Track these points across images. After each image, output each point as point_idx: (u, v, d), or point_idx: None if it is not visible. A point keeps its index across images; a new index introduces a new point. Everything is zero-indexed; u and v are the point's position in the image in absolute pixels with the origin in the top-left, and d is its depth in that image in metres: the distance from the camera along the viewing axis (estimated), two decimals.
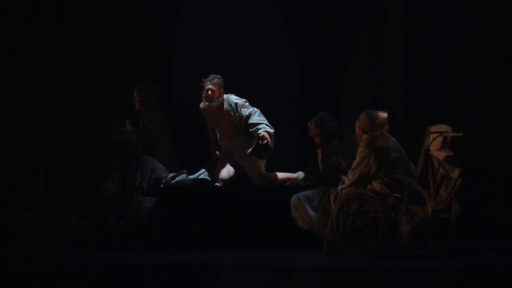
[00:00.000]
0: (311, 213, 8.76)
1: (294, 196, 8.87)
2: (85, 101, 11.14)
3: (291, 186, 9.41)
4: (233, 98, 9.63)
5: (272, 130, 9.48)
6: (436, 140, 8.08)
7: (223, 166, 9.71)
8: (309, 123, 9.09)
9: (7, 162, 11.04)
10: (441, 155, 8.06)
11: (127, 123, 10.03)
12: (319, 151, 9.04)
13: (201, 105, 9.72)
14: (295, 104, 10.89)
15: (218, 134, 9.86)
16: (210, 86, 9.55)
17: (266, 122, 9.53)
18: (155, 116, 10.12)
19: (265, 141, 9.40)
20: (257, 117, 9.53)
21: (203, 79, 9.61)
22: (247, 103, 9.62)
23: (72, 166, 10.87)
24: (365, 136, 8.36)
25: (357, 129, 8.47)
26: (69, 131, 11.09)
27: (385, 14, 10.86)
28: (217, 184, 9.62)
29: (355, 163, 8.33)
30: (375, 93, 10.84)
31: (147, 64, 11.13)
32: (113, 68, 11.12)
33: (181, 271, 7.61)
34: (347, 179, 8.45)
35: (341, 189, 8.41)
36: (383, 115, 8.36)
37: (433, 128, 8.11)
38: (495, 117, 10.54)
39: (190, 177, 9.62)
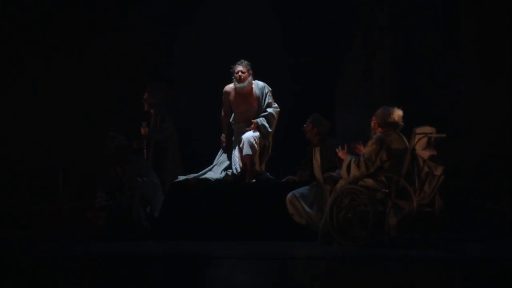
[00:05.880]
0: (307, 208, 8.96)
1: (290, 194, 9.05)
2: (101, 104, 11.27)
3: (287, 183, 9.51)
4: (261, 82, 9.76)
5: (270, 130, 9.58)
6: (421, 140, 8.29)
7: (240, 154, 9.74)
8: (304, 125, 9.28)
9: (29, 160, 11.21)
10: (425, 154, 8.28)
11: (144, 124, 10.15)
12: (316, 149, 9.19)
13: (229, 87, 9.76)
14: (292, 107, 10.88)
15: (232, 119, 9.86)
16: (240, 68, 9.68)
17: (272, 120, 9.63)
18: (166, 116, 10.20)
19: (246, 129, 9.54)
20: (272, 110, 9.66)
21: (232, 66, 9.70)
22: (271, 94, 9.77)
23: (88, 164, 10.97)
24: (379, 130, 8.49)
25: (372, 123, 8.53)
26: (86, 132, 11.19)
27: (374, 25, 11.03)
28: (234, 172, 9.67)
29: (366, 155, 8.38)
30: (365, 99, 10.99)
31: (155, 66, 11.27)
32: (125, 71, 11.26)
33: (186, 260, 7.81)
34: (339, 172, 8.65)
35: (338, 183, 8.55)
36: (399, 112, 8.45)
37: (419, 129, 8.30)
38: (479, 119, 10.66)
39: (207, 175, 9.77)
